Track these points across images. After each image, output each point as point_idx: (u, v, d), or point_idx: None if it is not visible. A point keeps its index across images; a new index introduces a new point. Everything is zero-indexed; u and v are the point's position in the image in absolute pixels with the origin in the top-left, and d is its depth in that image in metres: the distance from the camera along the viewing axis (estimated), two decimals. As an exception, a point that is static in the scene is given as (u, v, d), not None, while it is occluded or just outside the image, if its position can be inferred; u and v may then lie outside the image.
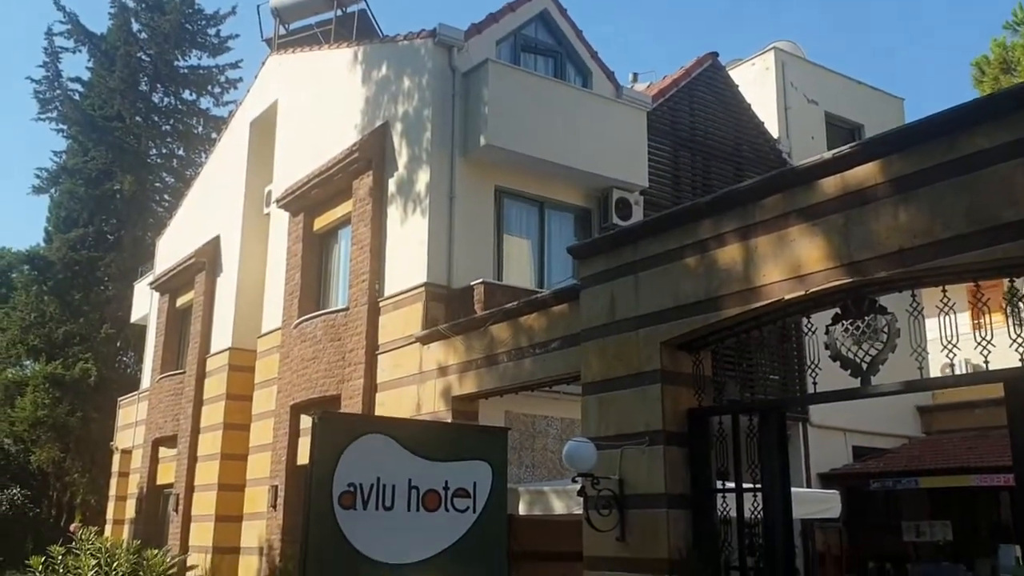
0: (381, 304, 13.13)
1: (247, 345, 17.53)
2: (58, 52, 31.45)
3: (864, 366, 6.66)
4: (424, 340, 11.92)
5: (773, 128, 17.78)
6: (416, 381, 11.89)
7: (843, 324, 6.81)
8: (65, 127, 31.34)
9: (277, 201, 16.14)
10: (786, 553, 7.08)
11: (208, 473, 17.51)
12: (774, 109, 18.36)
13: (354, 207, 14.02)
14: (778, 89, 18.72)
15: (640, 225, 8.58)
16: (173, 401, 19.38)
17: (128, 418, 23.07)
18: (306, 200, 15.33)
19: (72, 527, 17.13)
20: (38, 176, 31.35)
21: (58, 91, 31.32)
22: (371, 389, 12.82)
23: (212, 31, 32.73)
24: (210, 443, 17.73)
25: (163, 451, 20.00)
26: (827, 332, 6.88)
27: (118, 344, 28.32)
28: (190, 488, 17.98)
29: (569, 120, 13.45)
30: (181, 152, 33.05)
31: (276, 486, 14.60)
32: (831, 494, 11.91)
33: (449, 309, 12.20)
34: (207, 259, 19.08)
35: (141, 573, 10.27)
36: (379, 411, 12.71)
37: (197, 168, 26.59)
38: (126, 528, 21.10)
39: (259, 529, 15.08)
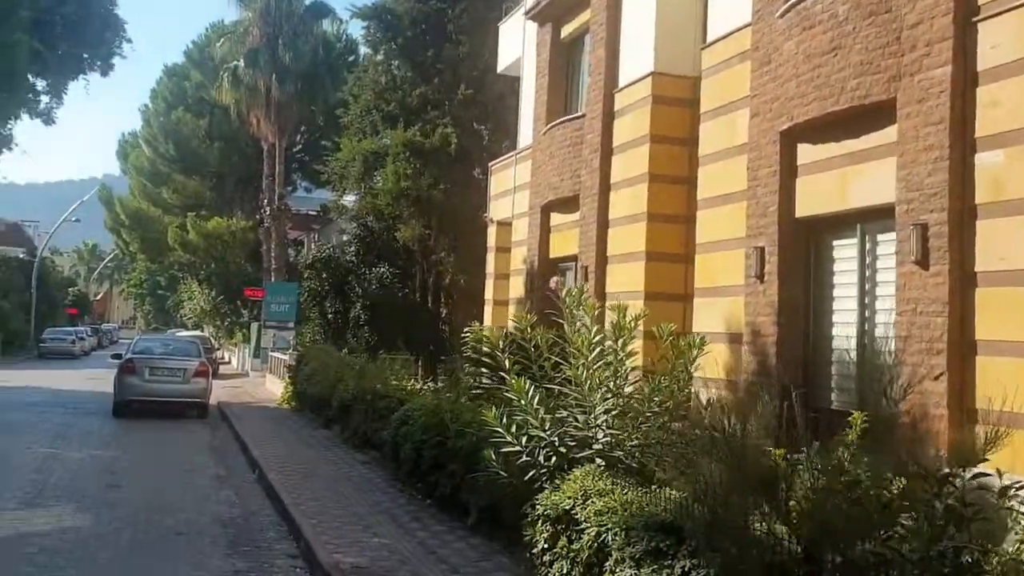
0: (983, -65, 7.71)
1: (675, 69, 13.01)
2: None
3: None
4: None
5: None
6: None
7: None
8: None
9: None
10: None
11: (627, 239, 13.57)
12: None
13: None
14: None
15: None
16: (569, 154, 15.45)
17: (503, 184, 19.75)
18: None
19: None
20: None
21: None
22: (966, 82, 7.69)
23: None
24: (628, 202, 13.68)
25: (556, 217, 16.41)
26: None
27: (474, 109, 25.04)
28: (602, 259, 14.23)
29: None
30: None
31: (761, 248, 10.16)
32: None
33: None
34: (607, -38, 14.39)
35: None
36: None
37: None
38: (510, 310, 18.10)
39: (729, 308, 10.91)
